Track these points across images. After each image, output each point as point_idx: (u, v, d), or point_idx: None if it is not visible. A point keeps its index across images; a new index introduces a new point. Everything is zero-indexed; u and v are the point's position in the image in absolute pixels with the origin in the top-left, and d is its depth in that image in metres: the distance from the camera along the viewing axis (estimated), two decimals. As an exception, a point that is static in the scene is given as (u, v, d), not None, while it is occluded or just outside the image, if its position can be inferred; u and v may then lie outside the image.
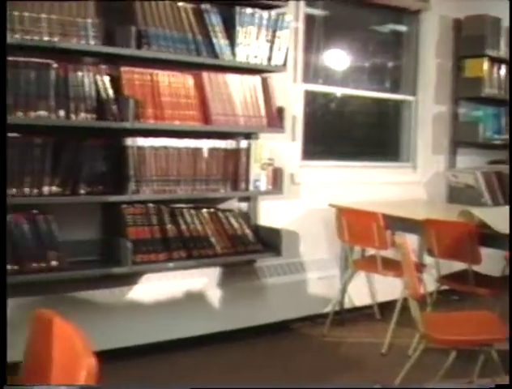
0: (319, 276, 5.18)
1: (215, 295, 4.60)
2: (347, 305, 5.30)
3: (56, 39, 3.70)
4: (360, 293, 5.30)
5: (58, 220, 3.82)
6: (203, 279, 4.57)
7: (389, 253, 4.67)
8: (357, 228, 4.73)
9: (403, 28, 5.97)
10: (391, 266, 4.60)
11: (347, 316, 5.24)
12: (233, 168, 4.39)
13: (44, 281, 3.78)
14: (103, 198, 3.94)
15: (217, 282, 4.62)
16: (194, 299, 4.51)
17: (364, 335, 4.98)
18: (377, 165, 5.72)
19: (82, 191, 3.82)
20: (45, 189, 3.72)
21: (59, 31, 3.72)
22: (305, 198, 5.11)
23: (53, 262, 3.75)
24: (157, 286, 4.37)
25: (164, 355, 4.24)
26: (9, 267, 3.59)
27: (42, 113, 3.68)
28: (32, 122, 3.68)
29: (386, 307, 5.17)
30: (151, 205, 4.17)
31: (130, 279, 4.25)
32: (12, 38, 3.56)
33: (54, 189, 3.75)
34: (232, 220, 4.47)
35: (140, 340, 4.21)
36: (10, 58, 3.61)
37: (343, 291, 5.17)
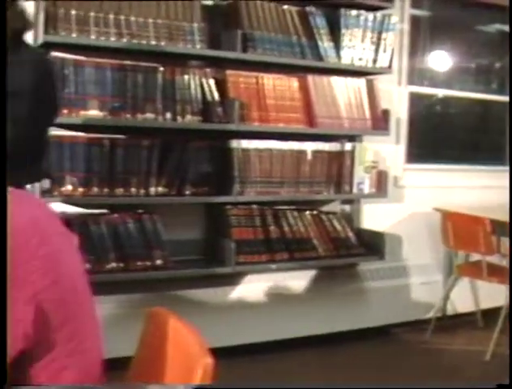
0: (422, 281, 5.09)
1: (315, 297, 4.59)
2: (449, 311, 5.20)
3: (163, 43, 3.78)
4: (463, 300, 5.19)
5: (163, 219, 3.90)
6: (304, 282, 4.57)
7: (493, 259, 4.56)
8: (463, 233, 4.63)
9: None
10: (496, 272, 4.49)
11: (449, 322, 5.13)
12: (337, 170, 4.38)
13: (148, 279, 3.86)
14: (208, 199, 4.00)
15: (318, 285, 4.61)
16: (294, 301, 4.52)
17: (466, 342, 4.87)
18: (481, 169, 5.57)
19: (187, 192, 3.89)
20: (152, 189, 3.80)
21: (166, 35, 3.79)
22: (409, 201, 5.04)
23: (158, 261, 3.82)
24: (258, 287, 4.39)
25: (261, 356, 4.25)
26: (115, 264, 3.69)
27: (149, 115, 3.76)
28: (139, 124, 3.77)
29: (489, 314, 5.04)
30: (254, 206, 4.20)
31: (233, 279, 4.29)
32: (119, 42, 3.66)
33: (160, 189, 3.83)
34: (335, 223, 4.46)
35: (240, 340, 4.24)
36: (117, 62, 3.72)
37: (446, 297, 5.07)
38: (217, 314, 4.17)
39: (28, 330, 1.26)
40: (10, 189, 1.44)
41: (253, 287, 4.38)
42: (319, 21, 4.23)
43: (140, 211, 3.89)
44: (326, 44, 4.24)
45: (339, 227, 4.46)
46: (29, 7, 2.90)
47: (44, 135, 2.72)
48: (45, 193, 3.51)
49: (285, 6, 4.17)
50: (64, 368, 1.32)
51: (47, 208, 1.50)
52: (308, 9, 4.21)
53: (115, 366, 1.65)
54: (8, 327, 1.24)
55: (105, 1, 3.65)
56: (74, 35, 3.57)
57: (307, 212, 4.40)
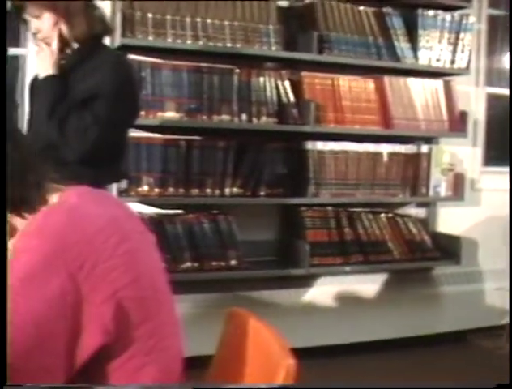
0: (497, 287, 4.99)
1: (389, 301, 4.54)
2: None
3: (238, 45, 3.80)
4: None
5: (238, 220, 3.92)
6: (378, 285, 4.53)
7: None
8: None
9: None
10: None
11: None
12: (413, 173, 4.32)
13: (222, 279, 3.88)
14: (282, 201, 4.01)
15: (392, 288, 4.56)
16: (367, 304, 4.48)
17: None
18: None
19: (262, 193, 3.90)
20: (227, 190, 3.83)
21: (242, 37, 3.81)
22: (486, 204, 4.94)
23: (233, 262, 3.84)
24: (331, 289, 4.37)
25: (333, 358, 4.22)
26: (190, 264, 3.72)
27: (225, 116, 3.79)
28: (215, 126, 3.80)
29: None
30: (329, 208, 4.18)
31: (306, 281, 4.28)
32: (196, 44, 3.69)
33: (235, 190, 3.85)
34: (411, 226, 4.40)
35: (312, 342, 4.22)
36: (193, 64, 3.76)
37: (522, 303, 4.96)
38: (290, 315, 4.16)
39: (108, 326, 1.28)
40: (88, 188, 1.48)
41: (326, 289, 4.36)
42: (396, 22, 4.19)
43: (215, 211, 3.92)
44: (402, 45, 4.19)
45: (414, 230, 4.40)
46: (106, 10, 2.97)
47: (124, 136, 2.78)
48: (122, 193, 3.57)
49: (361, 7, 4.14)
50: (143, 365, 1.34)
51: (126, 207, 1.52)
52: (384, 10, 4.17)
53: (193, 364, 1.67)
54: (89, 323, 1.27)
55: (183, 0, 3.68)
56: (150, 38, 3.62)
57: (382, 215, 4.36)
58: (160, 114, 3.66)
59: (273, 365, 1.40)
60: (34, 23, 2.48)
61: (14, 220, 1.38)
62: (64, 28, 2.49)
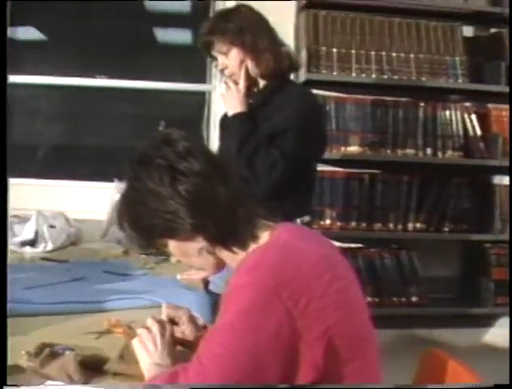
0: None
1: None
2: None
3: (424, 78, 3.74)
4: None
5: (420, 255, 3.84)
6: None
7: None
8: None
9: None
10: None
11: None
12: None
13: (402, 315, 3.81)
14: (467, 236, 3.90)
15: None
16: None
17: None
18: None
19: (446, 228, 3.82)
20: (410, 225, 3.77)
21: (427, 70, 3.76)
22: None
23: (414, 298, 3.77)
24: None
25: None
26: (370, 299, 3.68)
27: (409, 150, 3.74)
28: (399, 159, 3.75)
29: None
30: (516, 246, 4.03)
31: (488, 320, 4.12)
32: (380, 78, 3.67)
33: (418, 225, 3.78)
34: None
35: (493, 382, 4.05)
36: (378, 98, 3.74)
37: None
38: (471, 355, 4.02)
39: (319, 363, 1.27)
40: (296, 225, 1.48)
41: (507, 330, 4.19)
42: None
43: (396, 246, 3.86)
44: None
45: None
46: (291, 45, 2.99)
47: (312, 171, 2.78)
48: (305, 226, 3.58)
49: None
50: None
51: (332, 244, 1.52)
52: None
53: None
54: (302, 358, 1.27)
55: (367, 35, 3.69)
56: (335, 72, 3.64)
57: None
58: (343, 148, 3.67)
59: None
60: (221, 60, 2.53)
61: (223, 254, 1.42)
62: (251, 65, 2.52)
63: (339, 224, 3.70)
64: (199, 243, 1.41)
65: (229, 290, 1.30)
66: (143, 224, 1.40)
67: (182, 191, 1.35)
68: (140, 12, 4.17)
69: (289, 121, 2.49)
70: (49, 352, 1.32)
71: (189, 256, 1.45)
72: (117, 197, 1.96)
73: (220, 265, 1.48)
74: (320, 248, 1.40)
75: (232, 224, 1.38)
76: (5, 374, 1.24)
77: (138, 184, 1.39)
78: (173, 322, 1.49)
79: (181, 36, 4.51)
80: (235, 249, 1.40)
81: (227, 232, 1.39)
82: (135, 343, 1.37)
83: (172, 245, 1.44)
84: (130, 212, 1.43)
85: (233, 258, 1.41)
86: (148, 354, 1.35)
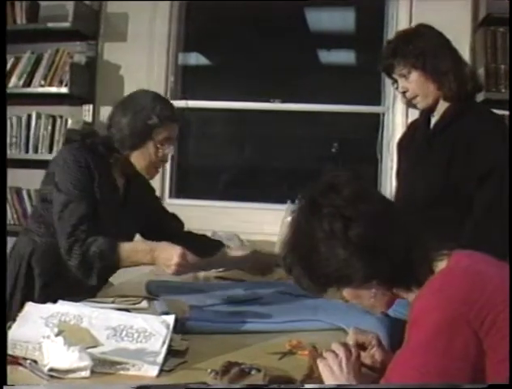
0: None
1: None
2: None
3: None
4: None
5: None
6: None
7: None
8: None
9: None
10: None
11: None
12: None
13: None
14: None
15: None
16: None
17: None
18: None
19: None
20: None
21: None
22: None
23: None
24: None
25: None
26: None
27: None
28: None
29: None
30: None
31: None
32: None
33: None
34: None
35: None
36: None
37: None
38: None
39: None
40: (463, 250, 1.43)
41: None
42: None
43: None
44: None
45: None
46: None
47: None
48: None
49: None
50: None
51: (506, 266, 1.43)
52: None
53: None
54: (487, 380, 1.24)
55: None
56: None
57: None
58: None
59: None
60: (402, 83, 2.47)
61: (398, 291, 1.41)
62: (432, 87, 2.45)
63: None
64: (374, 287, 1.39)
65: (415, 313, 1.30)
66: (315, 273, 1.39)
67: (354, 238, 1.34)
68: (303, 33, 4.25)
69: (496, 159, 2.32)
70: (238, 372, 1.34)
71: (362, 299, 1.43)
72: (288, 219, 1.96)
73: (392, 301, 1.46)
74: (500, 270, 1.38)
75: (408, 265, 1.36)
76: (5, 374, 1.24)
77: (308, 230, 1.39)
78: (360, 346, 1.48)
79: (344, 56, 4.54)
80: (412, 288, 1.38)
81: (403, 274, 1.37)
82: (320, 365, 1.37)
83: (345, 290, 1.42)
84: (301, 260, 1.41)
85: (409, 292, 1.40)
86: (334, 377, 1.34)
